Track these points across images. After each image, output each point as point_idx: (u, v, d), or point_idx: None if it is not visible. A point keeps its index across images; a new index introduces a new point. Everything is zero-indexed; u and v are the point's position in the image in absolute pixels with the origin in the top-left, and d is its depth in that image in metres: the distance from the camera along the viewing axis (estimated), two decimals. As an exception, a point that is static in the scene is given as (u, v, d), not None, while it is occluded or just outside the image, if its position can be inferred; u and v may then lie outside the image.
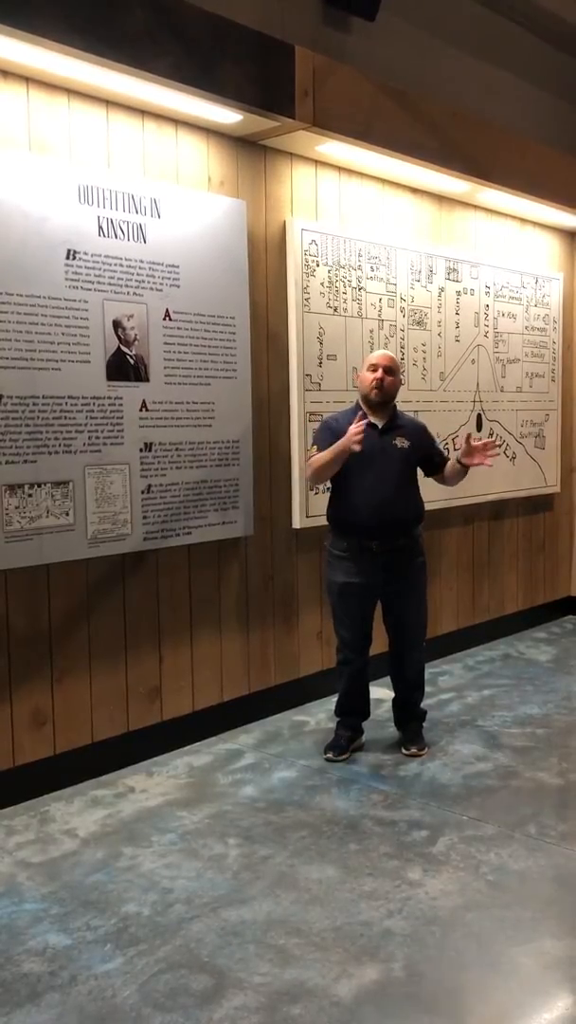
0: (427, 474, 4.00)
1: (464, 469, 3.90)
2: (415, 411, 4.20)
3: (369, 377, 3.81)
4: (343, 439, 3.65)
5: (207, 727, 4.16)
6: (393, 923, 2.68)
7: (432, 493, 4.07)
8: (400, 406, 4.00)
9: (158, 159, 3.82)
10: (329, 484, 3.92)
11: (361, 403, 3.88)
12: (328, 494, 3.97)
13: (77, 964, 2.49)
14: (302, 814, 3.39)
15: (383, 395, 3.81)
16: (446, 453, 4.17)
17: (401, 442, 3.82)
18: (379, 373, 3.79)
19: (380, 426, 3.83)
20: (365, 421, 3.65)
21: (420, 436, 3.93)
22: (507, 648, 5.76)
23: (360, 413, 3.73)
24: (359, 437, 3.58)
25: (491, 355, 5.64)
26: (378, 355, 3.88)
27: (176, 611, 4.03)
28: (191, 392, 3.94)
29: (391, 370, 3.82)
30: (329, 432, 3.80)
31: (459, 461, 3.88)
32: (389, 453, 3.79)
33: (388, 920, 2.69)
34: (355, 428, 3.59)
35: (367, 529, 3.79)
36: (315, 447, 3.82)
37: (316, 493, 4.45)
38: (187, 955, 2.53)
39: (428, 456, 3.95)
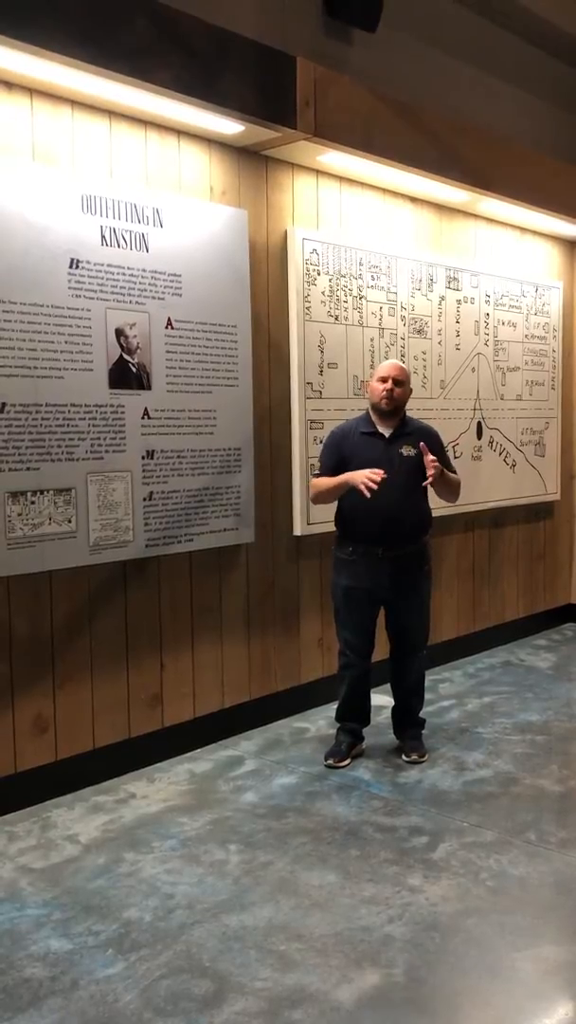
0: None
1: (440, 481, 3.83)
2: (415, 420, 4.21)
3: (379, 388, 3.84)
4: (354, 476, 3.67)
5: (208, 734, 4.17)
6: (393, 929, 2.69)
7: (432, 500, 4.08)
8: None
9: (160, 169, 3.85)
10: None
11: (371, 412, 3.91)
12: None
13: (79, 969, 2.50)
14: (303, 820, 3.40)
15: (393, 405, 3.85)
16: (452, 461, 4.18)
17: (407, 450, 3.84)
18: (388, 384, 3.83)
19: (387, 435, 3.85)
20: (382, 475, 3.64)
21: (428, 442, 3.92)
22: (507, 655, 5.77)
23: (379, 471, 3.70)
24: (372, 485, 3.60)
25: (491, 363, 5.67)
26: (388, 365, 3.90)
27: (177, 618, 4.04)
28: (193, 400, 3.96)
29: (400, 381, 3.85)
30: (335, 450, 3.86)
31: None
32: (395, 462, 3.81)
33: (388, 926, 2.70)
34: (372, 477, 3.61)
35: (372, 536, 3.81)
36: (319, 465, 3.86)
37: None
38: (188, 960, 2.54)
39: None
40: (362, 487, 3.63)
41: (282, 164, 4.35)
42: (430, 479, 3.73)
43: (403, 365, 3.95)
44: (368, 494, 3.61)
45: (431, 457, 3.73)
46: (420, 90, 4.82)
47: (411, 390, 3.99)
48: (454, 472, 4.01)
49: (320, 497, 3.93)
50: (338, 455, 3.84)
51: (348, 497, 3.86)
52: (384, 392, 3.83)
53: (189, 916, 2.76)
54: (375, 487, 3.62)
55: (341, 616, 3.97)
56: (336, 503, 3.96)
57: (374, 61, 4.58)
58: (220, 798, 3.61)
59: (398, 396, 3.85)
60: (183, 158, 3.94)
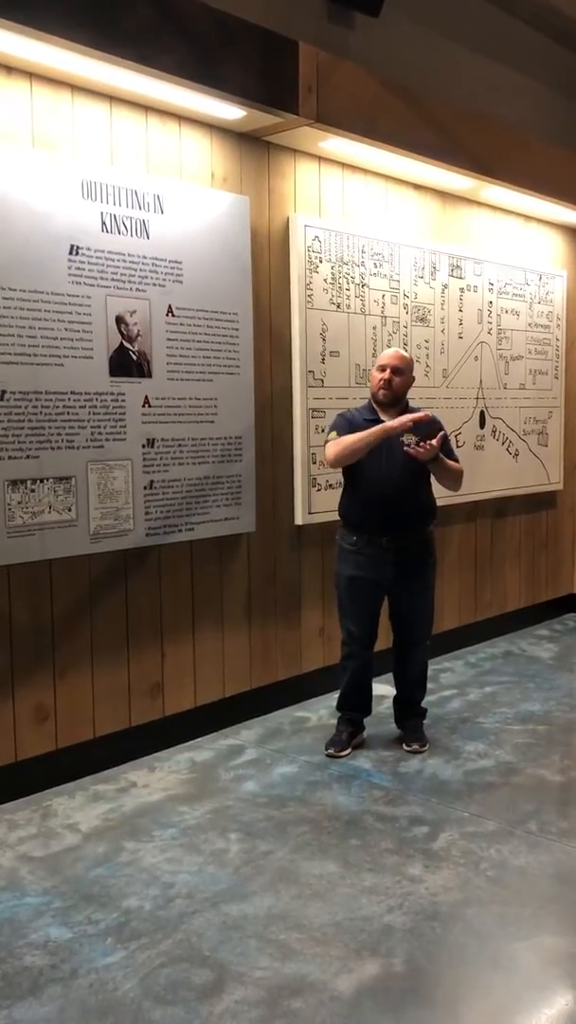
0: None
1: (436, 465, 3.83)
2: (418, 408, 4.19)
3: (377, 377, 3.83)
4: (390, 423, 3.70)
5: (209, 723, 4.17)
6: (393, 918, 2.68)
7: (435, 489, 4.06)
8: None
9: (161, 155, 3.82)
10: (341, 478, 3.93)
11: (372, 401, 3.89)
12: (339, 488, 3.98)
13: (78, 957, 2.50)
14: (303, 810, 3.40)
15: (391, 395, 3.83)
16: (455, 450, 4.16)
17: (409, 438, 3.82)
18: (387, 373, 3.81)
19: None
20: (417, 416, 3.70)
21: (428, 431, 3.88)
22: (509, 645, 5.76)
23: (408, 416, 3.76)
24: (407, 424, 3.67)
25: (494, 352, 5.64)
26: (388, 354, 3.88)
27: (178, 607, 4.04)
28: (194, 388, 3.94)
29: (399, 370, 3.83)
30: (347, 423, 3.84)
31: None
32: (396, 450, 3.79)
33: (388, 915, 2.70)
34: (405, 422, 3.68)
35: (375, 525, 3.80)
36: (335, 432, 3.83)
37: (319, 489, 4.46)
38: (188, 949, 2.54)
39: None
40: (398, 426, 3.66)
41: (284, 150, 4.32)
42: (417, 451, 3.68)
43: (404, 354, 3.92)
44: (402, 428, 3.67)
45: (416, 448, 3.71)
46: (423, 76, 4.78)
47: (413, 378, 3.96)
48: (456, 460, 3.99)
49: (345, 453, 3.74)
50: (352, 429, 3.79)
51: (352, 483, 3.86)
52: (382, 382, 3.82)
53: (189, 905, 2.76)
54: (407, 423, 3.68)
55: (344, 606, 3.96)
56: (341, 493, 3.94)
57: (377, 47, 4.53)
58: (221, 787, 3.61)
59: (396, 386, 3.83)
60: (184, 144, 3.91)
